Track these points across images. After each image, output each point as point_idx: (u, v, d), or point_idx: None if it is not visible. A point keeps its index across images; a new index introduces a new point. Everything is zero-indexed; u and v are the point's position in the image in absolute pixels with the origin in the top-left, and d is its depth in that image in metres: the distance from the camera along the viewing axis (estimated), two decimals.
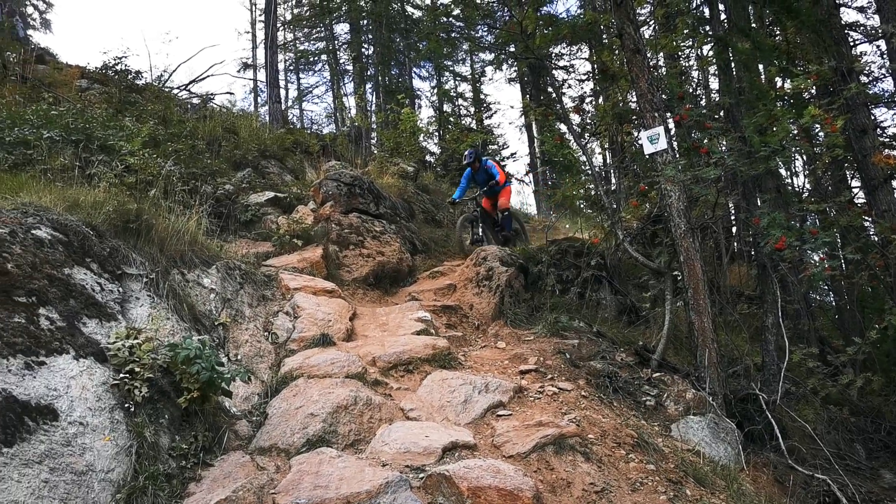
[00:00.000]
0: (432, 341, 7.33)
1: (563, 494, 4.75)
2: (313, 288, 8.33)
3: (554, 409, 6.11)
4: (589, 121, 14.77)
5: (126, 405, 4.51)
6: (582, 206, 12.98)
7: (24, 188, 5.99)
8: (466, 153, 12.27)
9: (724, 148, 8.87)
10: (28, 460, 3.58)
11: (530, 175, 26.42)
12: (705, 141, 8.26)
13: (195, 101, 17.70)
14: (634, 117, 10.82)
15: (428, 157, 22.81)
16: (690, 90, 12.88)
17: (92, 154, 7.96)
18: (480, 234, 11.94)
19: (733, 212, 12.88)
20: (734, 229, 13.87)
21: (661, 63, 15.30)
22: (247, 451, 5.10)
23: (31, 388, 3.96)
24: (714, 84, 15.51)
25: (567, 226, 16.35)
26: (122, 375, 4.62)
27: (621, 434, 5.81)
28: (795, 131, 7.99)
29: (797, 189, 12.80)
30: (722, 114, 10.67)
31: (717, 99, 12.57)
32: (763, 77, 11.29)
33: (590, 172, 10.99)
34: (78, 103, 10.53)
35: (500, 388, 6.33)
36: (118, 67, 14.68)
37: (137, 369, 4.72)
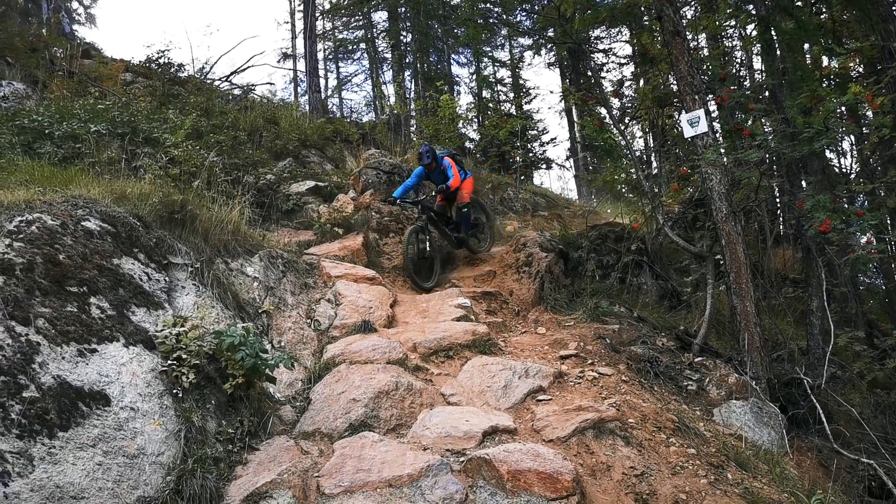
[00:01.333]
0: (472, 327, 7.38)
1: (603, 478, 4.78)
2: (354, 275, 8.43)
3: (594, 393, 6.12)
4: (629, 104, 14.61)
5: (174, 391, 4.64)
6: (623, 190, 12.87)
7: (74, 181, 6.15)
8: (422, 150, 10.32)
9: (767, 129, 8.73)
10: (83, 444, 3.72)
11: (570, 160, 26.23)
12: (748, 122, 8.15)
13: (236, 92, 17.92)
14: (675, 100, 10.70)
15: (467, 144, 22.76)
16: (733, 71, 12.66)
17: (137, 147, 8.14)
18: (428, 247, 9.82)
19: (777, 194, 12.66)
20: (779, 212, 13.65)
21: (703, 44, 15.07)
22: (291, 435, 5.21)
23: (84, 375, 4.10)
24: (758, 64, 15.22)
25: (608, 210, 16.22)
26: (169, 362, 4.76)
27: (662, 418, 5.80)
28: (841, 111, 7.84)
29: (844, 170, 12.53)
30: (766, 94, 10.50)
31: (761, 79, 12.35)
32: (808, 57, 11.07)
33: (630, 156, 10.91)
34: (123, 97, 10.76)
35: (540, 374, 6.36)
36: (161, 61, 14.92)
37: (184, 356, 4.85)
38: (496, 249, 11.30)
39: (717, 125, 9.34)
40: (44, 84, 11.90)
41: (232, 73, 18.91)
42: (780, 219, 13.54)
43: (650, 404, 6.09)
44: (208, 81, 16.68)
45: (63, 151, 7.42)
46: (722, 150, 7.78)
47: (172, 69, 14.99)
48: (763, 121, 9.04)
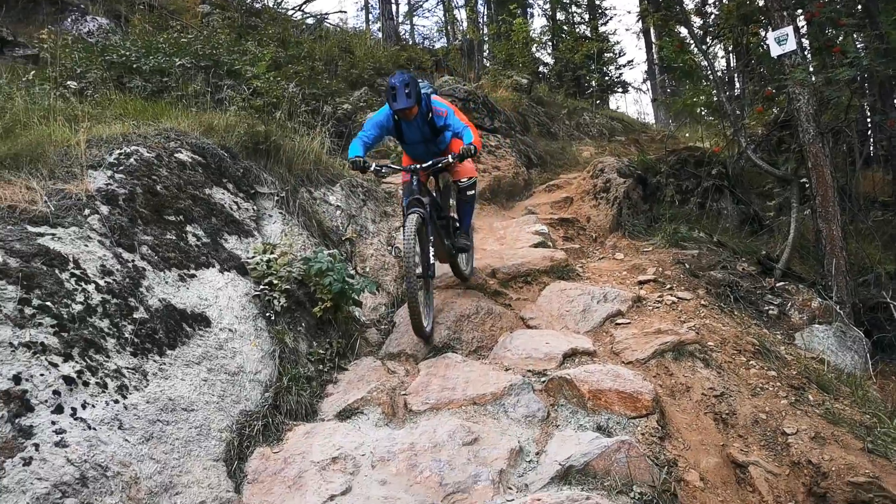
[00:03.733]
0: (550, 253, 7.45)
1: (682, 398, 4.87)
2: None
3: (673, 317, 6.16)
4: (712, 23, 14.08)
5: (267, 314, 4.89)
6: (703, 113, 12.55)
7: (164, 114, 6.37)
8: (395, 81, 5.51)
9: (859, 46, 8.36)
10: (189, 361, 4.00)
11: (648, 83, 25.56)
12: (839, 39, 7.81)
13: (309, 21, 17.94)
14: (762, 17, 10.27)
15: (541, 69, 22.39)
16: None
17: (220, 79, 8.32)
18: (432, 256, 5.64)
19: (868, 114, 12.15)
20: (869, 132, 13.10)
21: None
22: (377, 356, 5.45)
23: (185, 298, 4.37)
24: None
25: (687, 135, 15.86)
26: (261, 287, 4.99)
27: (742, 342, 5.82)
28: None
29: None
30: (859, 8, 10.00)
31: None
32: None
33: (712, 78, 10.60)
34: (203, 30, 10.94)
35: (619, 298, 6.41)
36: None
37: (275, 281, 5.07)
38: (572, 175, 11.23)
39: (805, 42, 8.97)
40: (126, 18, 12.16)
41: (305, 2, 18.93)
42: (871, 139, 13.00)
43: (730, 328, 6.10)
44: (282, 11, 16.71)
45: (151, 86, 7.65)
46: (811, 69, 7.50)
47: (248, 0, 15.07)
48: (855, 37, 8.64)
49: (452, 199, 6.44)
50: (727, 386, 5.05)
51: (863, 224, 9.11)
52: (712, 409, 4.82)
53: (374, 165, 5.70)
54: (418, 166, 5.68)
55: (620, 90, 24.41)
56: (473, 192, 6.17)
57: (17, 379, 3.08)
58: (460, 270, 6.35)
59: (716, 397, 4.90)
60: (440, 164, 5.71)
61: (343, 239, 6.82)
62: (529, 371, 4.96)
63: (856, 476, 4.15)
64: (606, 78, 22.47)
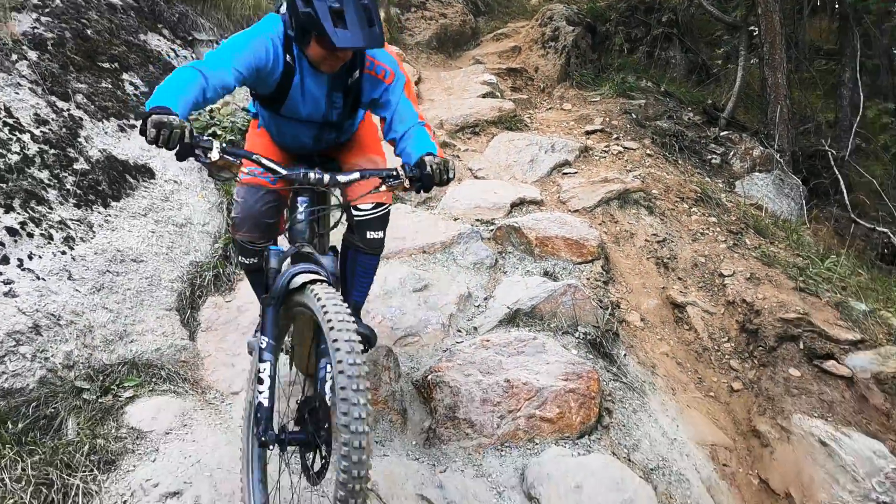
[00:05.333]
0: (498, 104, 7.39)
1: (626, 244, 5.02)
2: None
3: (619, 167, 6.24)
4: None
5: None
6: None
7: None
8: None
9: None
10: (135, 213, 3.93)
11: None
12: None
13: None
14: None
15: None
16: None
17: None
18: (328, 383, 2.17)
19: None
20: None
21: None
22: None
23: (127, 149, 4.24)
24: None
25: None
26: (206, 137, 4.85)
27: (685, 190, 5.96)
28: None
29: None
30: None
31: None
32: None
33: None
34: None
35: (566, 148, 6.45)
36: None
37: (219, 132, 4.96)
38: (520, 24, 10.94)
39: None
40: None
41: None
42: None
43: (674, 177, 6.22)
44: None
45: None
46: None
47: None
48: None
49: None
50: (669, 232, 5.22)
51: (807, 73, 9.19)
52: (654, 254, 4.99)
53: (215, 147, 2.28)
54: (317, 175, 2.49)
55: None
56: (381, 234, 3.07)
57: None
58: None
59: (658, 243, 5.07)
60: (387, 182, 2.55)
61: None
62: (478, 220, 5.03)
63: (787, 313, 4.39)
64: None
